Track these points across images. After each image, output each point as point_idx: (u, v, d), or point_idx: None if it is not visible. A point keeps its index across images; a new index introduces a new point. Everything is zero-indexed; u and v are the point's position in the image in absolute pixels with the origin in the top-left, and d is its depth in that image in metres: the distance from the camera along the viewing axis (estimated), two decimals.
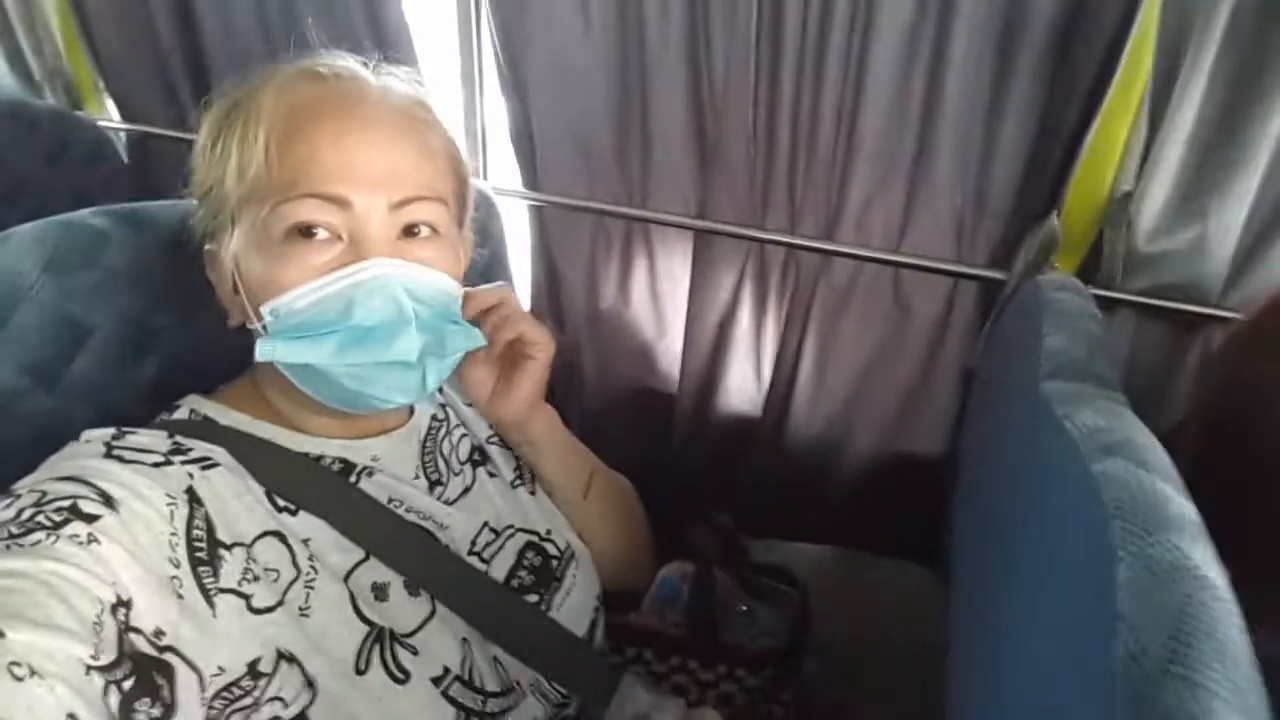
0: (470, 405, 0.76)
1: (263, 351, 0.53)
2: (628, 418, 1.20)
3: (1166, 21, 0.74)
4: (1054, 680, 0.35)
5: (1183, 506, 0.36)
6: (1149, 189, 0.81)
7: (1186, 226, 0.81)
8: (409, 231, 0.56)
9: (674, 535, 1.11)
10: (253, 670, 0.49)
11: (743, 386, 1.15)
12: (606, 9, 0.96)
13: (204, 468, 0.52)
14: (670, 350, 1.18)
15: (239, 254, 0.54)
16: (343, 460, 0.60)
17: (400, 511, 0.61)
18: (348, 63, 0.57)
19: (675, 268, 1.13)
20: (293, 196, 0.52)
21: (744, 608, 1.01)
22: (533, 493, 0.74)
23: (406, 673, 0.55)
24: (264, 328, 0.54)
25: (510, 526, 0.69)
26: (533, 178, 1.12)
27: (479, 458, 0.71)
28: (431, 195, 0.57)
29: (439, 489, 0.66)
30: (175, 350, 0.65)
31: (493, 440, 0.74)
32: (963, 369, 0.99)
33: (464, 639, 0.60)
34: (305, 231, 0.52)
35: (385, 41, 1.12)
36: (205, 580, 0.48)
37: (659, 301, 1.16)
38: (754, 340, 1.11)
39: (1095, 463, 0.40)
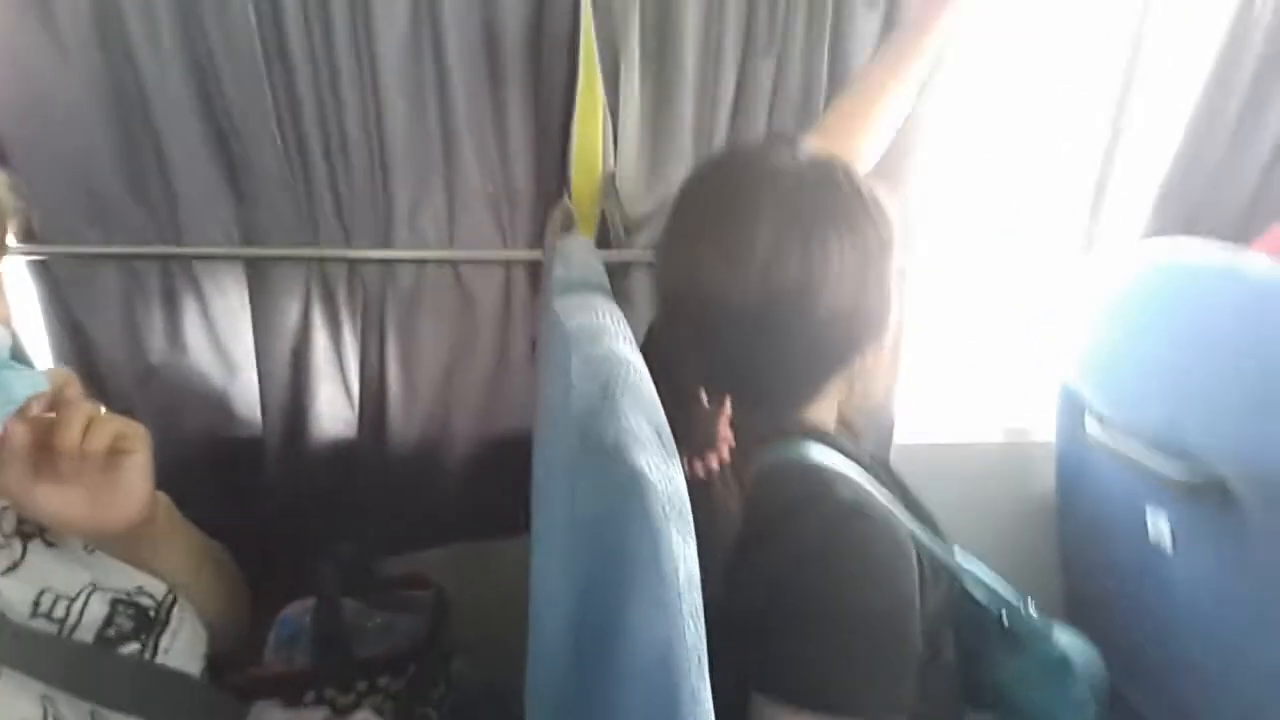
0: None
1: None
2: (210, 473, 1.09)
3: (600, 38, 0.96)
4: (555, 455, 0.44)
5: (615, 333, 0.48)
6: (623, 167, 1.02)
7: (654, 193, 1.04)
8: None
9: (294, 576, 1.05)
10: None
11: (333, 410, 1.13)
12: (81, 29, 0.89)
13: None
14: (245, 392, 1.11)
15: None
16: None
17: None
18: None
19: (232, 303, 1.07)
20: None
21: (377, 621, 0.99)
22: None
23: None
24: None
25: (89, 585, 0.61)
26: (27, 229, 0.97)
27: (30, 529, 0.61)
28: None
29: None
30: None
31: None
32: (530, 341, 1.12)
33: (44, 695, 0.54)
34: None
35: None
36: None
37: (221, 341, 1.09)
38: (335, 360, 1.11)
39: (569, 322, 0.50)
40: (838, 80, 1.01)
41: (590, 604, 0.34)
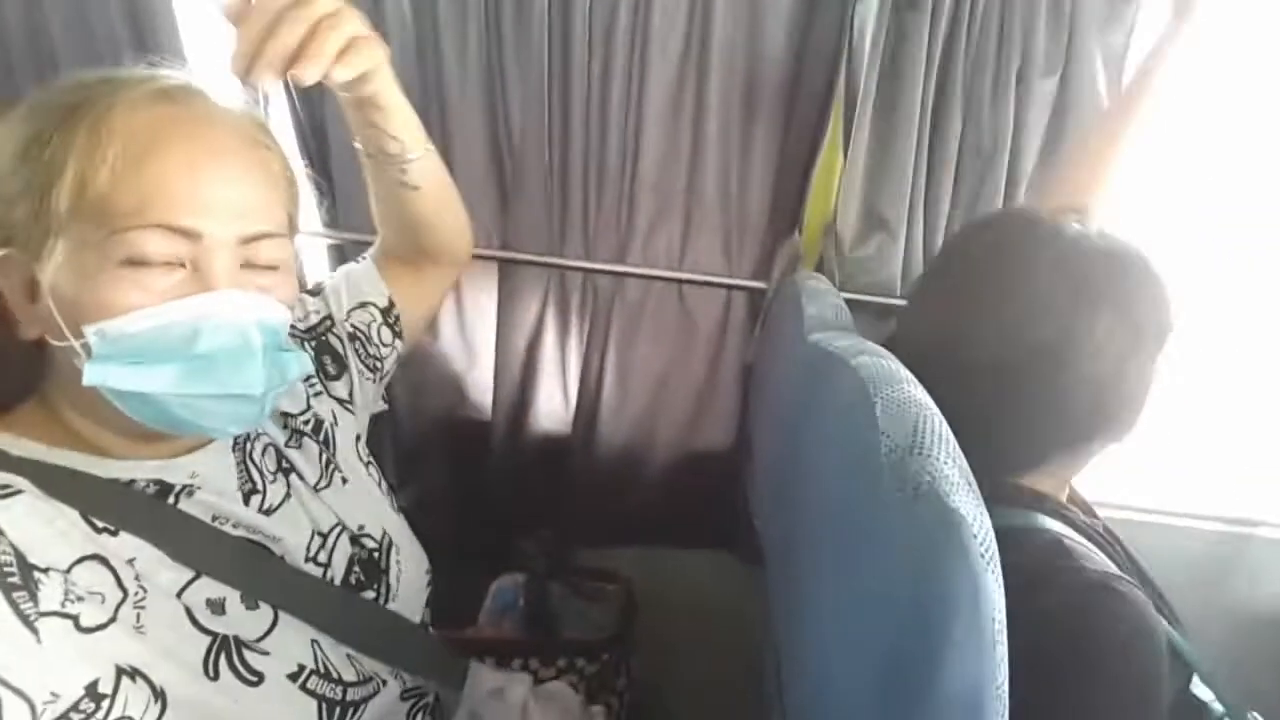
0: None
1: (91, 376, 0.50)
2: (444, 448, 1.22)
3: (847, 88, 1.00)
4: (844, 493, 0.47)
5: (908, 374, 0.51)
6: (846, 210, 1.05)
7: (871, 237, 1.06)
8: (252, 262, 0.56)
9: (503, 552, 1.15)
10: (92, 692, 0.47)
11: (552, 407, 1.22)
12: (405, 53, 1.04)
13: (2, 496, 0.49)
14: (481, 379, 1.23)
15: (57, 269, 0.51)
16: (158, 481, 0.58)
17: (227, 528, 0.59)
18: (191, 81, 0.56)
19: (481, 299, 1.19)
20: (140, 225, 0.50)
21: (575, 606, 1.07)
22: (345, 481, 0.72)
23: (259, 674, 0.55)
24: (84, 348, 0.51)
25: (336, 526, 0.68)
26: (333, 217, 1.14)
27: (286, 465, 0.68)
28: (278, 231, 0.57)
29: (255, 498, 0.63)
30: None
31: (291, 444, 0.71)
32: (741, 366, 1.16)
33: (314, 640, 0.60)
34: (145, 257, 0.51)
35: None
36: (23, 606, 0.46)
37: (467, 332, 1.21)
38: (560, 361, 1.20)
39: (853, 360, 0.54)
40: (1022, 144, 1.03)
41: (906, 643, 0.37)
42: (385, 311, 0.81)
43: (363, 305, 0.80)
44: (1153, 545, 1.19)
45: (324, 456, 0.71)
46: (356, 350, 0.78)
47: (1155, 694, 0.55)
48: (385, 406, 0.84)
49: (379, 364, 0.81)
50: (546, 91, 1.04)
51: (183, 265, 0.52)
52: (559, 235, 1.13)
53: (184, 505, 0.58)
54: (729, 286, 1.14)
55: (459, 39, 1.03)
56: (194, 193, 0.52)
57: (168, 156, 0.51)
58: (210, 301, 0.52)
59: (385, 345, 0.81)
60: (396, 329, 0.82)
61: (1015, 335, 0.62)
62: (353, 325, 0.79)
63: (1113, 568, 0.61)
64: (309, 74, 0.53)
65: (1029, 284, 0.62)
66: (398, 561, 0.70)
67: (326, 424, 0.73)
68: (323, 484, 0.69)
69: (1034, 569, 0.59)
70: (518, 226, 1.13)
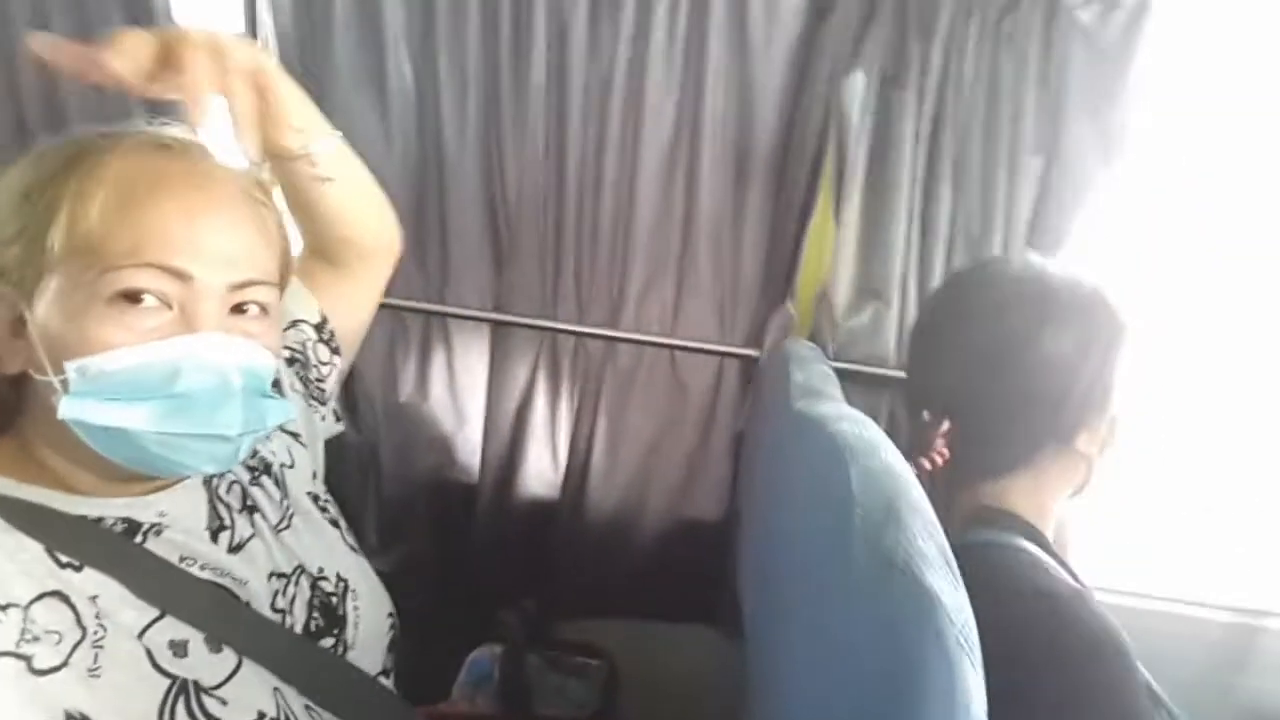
0: None
1: (66, 410, 0.50)
2: (428, 510, 1.20)
3: (834, 162, 1.02)
4: (817, 561, 0.45)
5: (888, 443, 0.49)
6: (839, 281, 1.05)
7: (865, 307, 1.06)
8: (239, 308, 0.57)
9: (483, 622, 1.11)
10: None
11: (541, 471, 1.20)
12: (406, 121, 1.07)
13: None
14: (469, 441, 1.22)
15: (47, 306, 0.52)
16: (126, 520, 0.57)
17: (194, 570, 0.58)
18: (192, 137, 0.58)
19: (473, 360, 1.19)
20: (131, 264, 0.51)
21: (553, 681, 1.02)
22: (300, 523, 0.70)
23: None
24: (62, 384, 0.51)
25: (296, 568, 0.66)
26: None
27: (250, 503, 0.67)
28: (267, 280, 0.58)
29: (224, 534, 0.62)
30: None
31: (253, 483, 0.69)
32: (733, 435, 1.14)
33: (275, 688, 0.58)
34: (134, 297, 0.51)
35: None
36: None
37: (458, 394, 1.21)
38: (550, 425, 1.19)
39: (831, 426, 0.52)
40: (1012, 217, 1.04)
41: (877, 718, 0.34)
42: (319, 328, 0.78)
43: (294, 324, 0.77)
44: (1160, 635, 1.15)
45: (279, 498, 0.70)
46: (297, 374, 0.76)
47: (1133, 704, 0.55)
48: (341, 428, 0.82)
49: (321, 387, 0.79)
50: (543, 159, 1.07)
51: (170, 307, 0.53)
52: (552, 299, 1.13)
53: (151, 544, 0.57)
54: (721, 354, 1.13)
55: (459, 107, 1.06)
56: (188, 236, 0.53)
57: (165, 201, 0.52)
58: (193, 343, 0.53)
59: (324, 364, 0.79)
60: (333, 345, 0.79)
61: (994, 319, 0.72)
62: (288, 348, 0.76)
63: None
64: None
65: (995, 289, 0.73)
66: (355, 608, 0.68)
67: (275, 465, 0.72)
68: (282, 525, 0.68)
69: (1014, 582, 0.62)
70: (511, 289, 1.14)
